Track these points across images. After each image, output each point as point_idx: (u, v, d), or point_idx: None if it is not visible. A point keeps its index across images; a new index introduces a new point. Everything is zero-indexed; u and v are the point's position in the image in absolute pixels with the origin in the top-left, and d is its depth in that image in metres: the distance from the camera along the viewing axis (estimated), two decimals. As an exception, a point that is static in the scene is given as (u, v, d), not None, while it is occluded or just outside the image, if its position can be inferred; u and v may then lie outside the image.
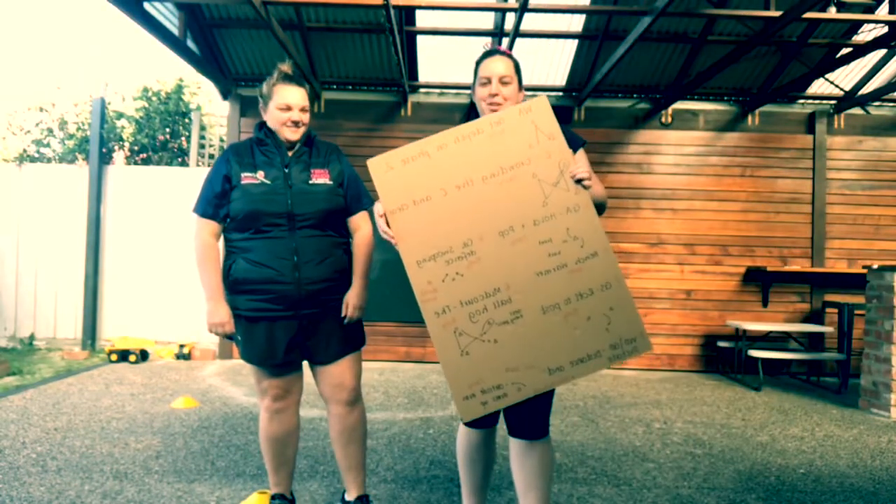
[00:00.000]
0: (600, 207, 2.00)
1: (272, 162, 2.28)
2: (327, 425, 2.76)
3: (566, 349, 1.78)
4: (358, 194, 2.38)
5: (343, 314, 2.29)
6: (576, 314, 1.77)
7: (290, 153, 2.32)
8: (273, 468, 2.44)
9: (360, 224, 2.40)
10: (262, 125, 2.35)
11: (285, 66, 2.31)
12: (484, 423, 2.10)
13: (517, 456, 2.03)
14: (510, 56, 2.07)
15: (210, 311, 2.27)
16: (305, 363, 2.41)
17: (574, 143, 2.06)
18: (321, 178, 2.29)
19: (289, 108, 2.26)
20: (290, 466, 2.46)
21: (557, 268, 1.78)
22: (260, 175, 2.24)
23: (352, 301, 2.31)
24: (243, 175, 2.24)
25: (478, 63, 2.09)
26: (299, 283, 2.21)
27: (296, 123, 2.28)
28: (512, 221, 1.79)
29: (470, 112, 2.18)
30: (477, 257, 1.78)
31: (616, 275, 1.78)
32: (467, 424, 2.13)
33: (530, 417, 1.98)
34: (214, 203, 2.28)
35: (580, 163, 1.97)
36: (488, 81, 2.01)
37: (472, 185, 1.81)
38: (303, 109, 2.29)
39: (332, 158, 2.37)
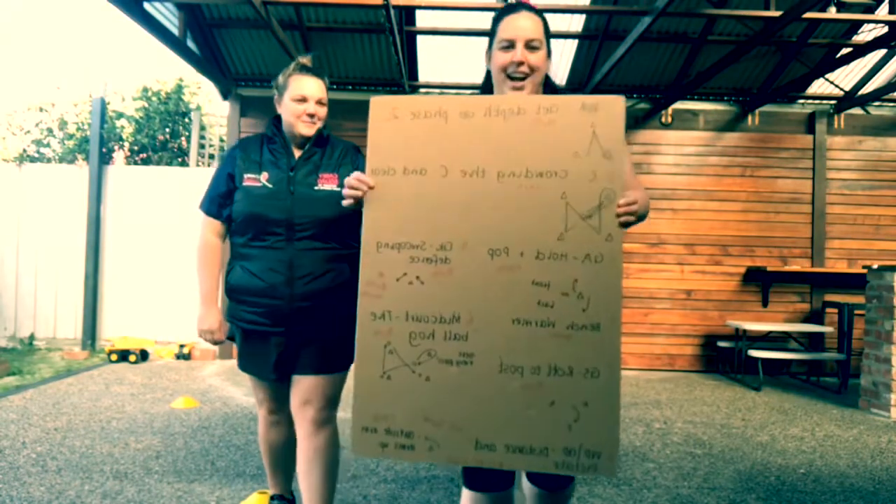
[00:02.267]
0: (643, 217, 1.61)
1: (278, 163, 2.14)
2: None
3: (507, 427, 1.38)
4: None
5: None
6: (538, 390, 1.37)
7: (299, 153, 2.17)
8: (271, 471, 2.42)
9: None
10: (275, 119, 2.22)
11: (304, 59, 2.18)
12: (495, 486, 1.59)
13: None
14: (539, 13, 1.63)
15: (200, 316, 2.19)
16: None
17: None
18: (328, 183, 2.12)
19: (304, 100, 2.11)
20: (290, 469, 2.45)
21: (541, 323, 1.37)
22: (263, 177, 2.12)
23: None
24: (246, 176, 2.13)
25: (496, 20, 1.64)
26: (291, 298, 2.06)
27: (311, 116, 2.12)
28: (510, 242, 1.39)
29: (485, 84, 1.76)
30: (449, 268, 1.40)
31: (612, 363, 1.36)
32: (470, 487, 1.61)
33: None
34: (218, 202, 2.18)
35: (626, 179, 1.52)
36: (511, 45, 1.58)
37: (482, 178, 1.41)
38: (319, 102, 2.14)
39: (346, 161, 2.18)
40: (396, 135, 1.45)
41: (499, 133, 1.42)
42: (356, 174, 1.49)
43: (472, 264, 1.40)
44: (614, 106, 1.39)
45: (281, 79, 2.18)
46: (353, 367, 1.44)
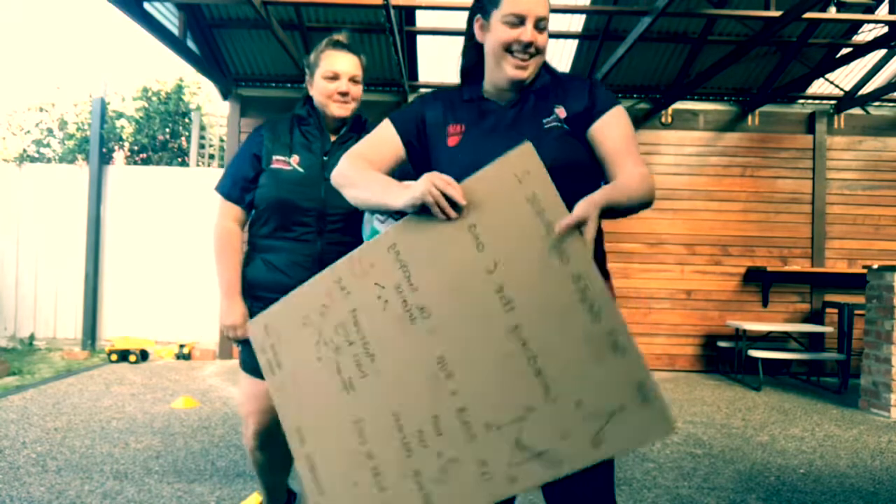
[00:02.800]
0: (645, 204, 1.36)
1: (310, 146, 1.96)
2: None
3: (333, 466, 1.32)
4: None
5: None
6: (367, 471, 1.28)
7: (333, 137, 2.00)
8: (262, 488, 2.21)
9: None
10: (307, 100, 2.05)
11: (339, 35, 2.00)
12: None
13: None
14: None
15: (224, 311, 1.97)
16: None
17: (601, 103, 1.43)
18: None
19: (336, 77, 1.94)
20: (286, 476, 2.25)
21: (410, 443, 1.25)
22: (294, 160, 1.93)
23: None
24: (274, 158, 1.94)
25: None
26: None
27: (344, 95, 1.95)
28: (459, 378, 1.20)
29: (466, 57, 1.55)
30: (410, 328, 1.25)
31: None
32: None
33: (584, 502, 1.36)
34: (241, 186, 1.98)
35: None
36: (521, 22, 1.37)
37: (504, 313, 1.18)
38: (353, 80, 1.96)
39: None
40: (499, 194, 1.19)
41: (565, 305, 1.13)
42: (443, 177, 1.21)
43: (421, 349, 1.24)
44: (661, 428, 1.09)
45: (312, 56, 2.01)
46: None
